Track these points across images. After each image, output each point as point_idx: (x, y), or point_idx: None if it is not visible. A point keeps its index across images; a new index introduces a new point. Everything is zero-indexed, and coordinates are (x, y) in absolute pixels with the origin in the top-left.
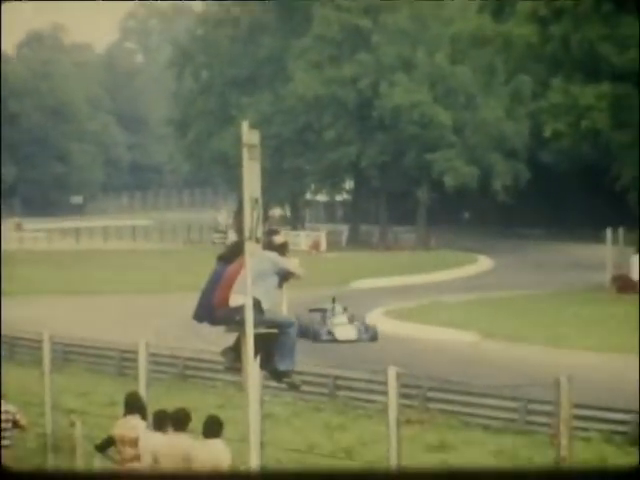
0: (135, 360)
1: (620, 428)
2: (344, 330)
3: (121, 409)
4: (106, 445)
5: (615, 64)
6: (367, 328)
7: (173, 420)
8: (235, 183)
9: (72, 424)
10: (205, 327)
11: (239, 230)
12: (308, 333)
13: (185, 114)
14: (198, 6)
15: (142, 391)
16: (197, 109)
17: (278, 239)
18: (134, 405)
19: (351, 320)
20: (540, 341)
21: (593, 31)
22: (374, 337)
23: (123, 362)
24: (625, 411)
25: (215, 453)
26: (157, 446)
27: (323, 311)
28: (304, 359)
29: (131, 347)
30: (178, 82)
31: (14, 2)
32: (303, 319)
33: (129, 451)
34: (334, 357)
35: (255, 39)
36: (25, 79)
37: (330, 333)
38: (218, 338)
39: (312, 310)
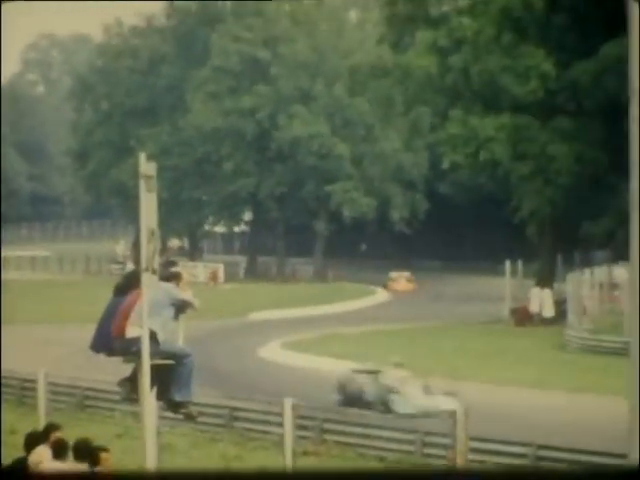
0: (35, 389)
1: (518, 461)
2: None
3: (21, 437)
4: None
5: (516, 95)
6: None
7: (73, 450)
8: (133, 214)
9: None
10: (103, 357)
11: (136, 261)
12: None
13: (84, 145)
14: (98, 37)
15: (41, 420)
16: (96, 140)
17: (174, 270)
18: (34, 444)
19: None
20: (437, 373)
21: (493, 62)
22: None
23: (23, 391)
24: (523, 444)
25: None
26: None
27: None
28: (199, 390)
29: (30, 376)
30: (78, 113)
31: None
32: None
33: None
34: (229, 388)
35: (154, 70)
36: None
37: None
38: (116, 368)
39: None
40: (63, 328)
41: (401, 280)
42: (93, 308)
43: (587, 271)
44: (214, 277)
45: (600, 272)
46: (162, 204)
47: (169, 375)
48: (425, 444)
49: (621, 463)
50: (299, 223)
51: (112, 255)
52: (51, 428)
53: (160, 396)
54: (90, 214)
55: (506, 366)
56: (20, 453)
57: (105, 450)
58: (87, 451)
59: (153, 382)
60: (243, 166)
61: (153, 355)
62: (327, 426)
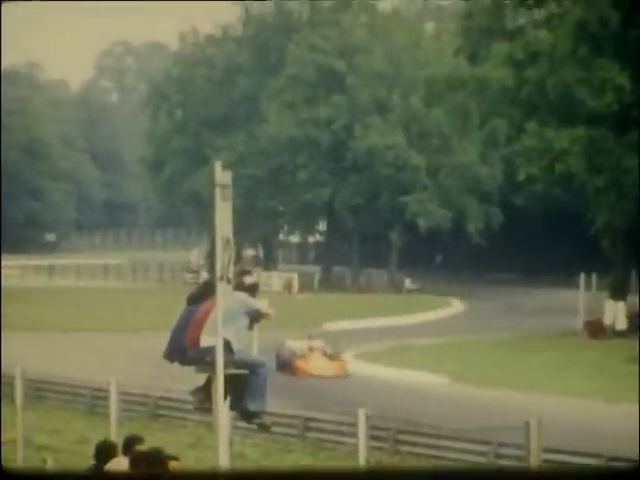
0: (106, 398)
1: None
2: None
3: (92, 447)
4: None
5: (591, 108)
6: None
7: (146, 459)
8: (208, 223)
9: (44, 461)
10: (176, 366)
11: (211, 270)
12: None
13: (159, 153)
14: (174, 45)
15: (113, 429)
16: (171, 148)
17: (249, 280)
18: (105, 454)
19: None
20: (511, 385)
21: (569, 75)
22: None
23: (94, 400)
24: (594, 456)
25: None
26: None
27: None
28: (274, 399)
29: (102, 385)
30: (153, 121)
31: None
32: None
33: None
34: (305, 397)
35: (230, 79)
36: None
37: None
38: (189, 377)
39: None
40: (137, 337)
41: (315, 356)
42: (167, 317)
43: None
44: (288, 287)
45: None
46: (237, 213)
47: (243, 385)
48: (498, 456)
49: None
50: (374, 233)
51: (186, 264)
52: (135, 441)
53: (234, 406)
54: (164, 222)
55: (579, 378)
56: (90, 462)
57: (175, 459)
58: (159, 461)
59: (227, 392)
60: (318, 176)
61: (227, 364)
62: (401, 437)
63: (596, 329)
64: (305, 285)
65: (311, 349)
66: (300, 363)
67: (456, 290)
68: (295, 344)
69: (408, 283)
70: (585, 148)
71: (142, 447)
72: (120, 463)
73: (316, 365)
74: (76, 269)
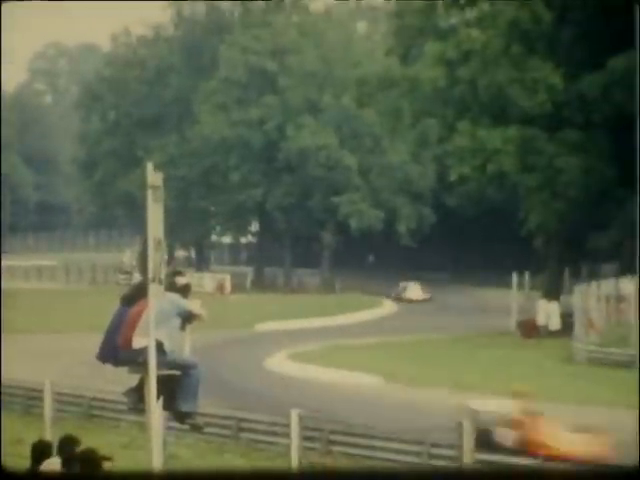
0: (41, 399)
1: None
2: None
3: (27, 447)
4: None
5: (523, 107)
6: None
7: (81, 460)
8: (140, 224)
9: None
10: (110, 367)
11: (143, 272)
12: None
13: (92, 154)
14: (105, 46)
15: (47, 429)
16: (103, 149)
17: (181, 281)
18: (41, 454)
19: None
20: (444, 385)
21: (501, 74)
22: None
23: (29, 401)
24: (530, 456)
25: None
26: None
27: None
28: (205, 400)
29: (37, 386)
30: (85, 122)
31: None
32: None
33: None
34: (237, 398)
35: (162, 80)
36: None
37: None
38: (123, 378)
39: None
40: (70, 338)
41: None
42: (100, 318)
43: (594, 283)
44: (221, 288)
45: (607, 284)
46: (169, 214)
47: (176, 386)
48: (431, 456)
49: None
50: (306, 234)
51: (119, 265)
52: (69, 441)
53: (166, 406)
54: (97, 224)
55: (513, 378)
56: (26, 463)
57: (108, 459)
58: (93, 461)
59: (159, 392)
60: (250, 177)
61: (160, 366)
62: (333, 437)
63: (529, 329)
64: (237, 286)
65: (529, 413)
66: (540, 438)
67: (388, 290)
68: (496, 406)
69: (419, 293)
70: (517, 147)
71: (77, 447)
72: (54, 463)
73: (567, 441)
74: (9, 271)
